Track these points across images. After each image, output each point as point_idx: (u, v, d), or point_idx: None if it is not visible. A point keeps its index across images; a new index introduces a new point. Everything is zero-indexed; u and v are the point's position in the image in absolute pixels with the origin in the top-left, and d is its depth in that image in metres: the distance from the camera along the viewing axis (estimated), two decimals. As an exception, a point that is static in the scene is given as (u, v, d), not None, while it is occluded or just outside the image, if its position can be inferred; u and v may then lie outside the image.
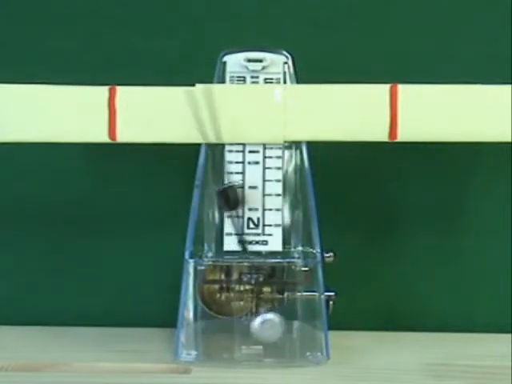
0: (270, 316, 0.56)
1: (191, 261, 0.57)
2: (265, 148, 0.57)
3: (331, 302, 0.57)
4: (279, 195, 0.57)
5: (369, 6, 0.66)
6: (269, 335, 0.56)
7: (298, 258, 0.57)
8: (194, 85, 0.56)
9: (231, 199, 0.56)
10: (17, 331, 0.65)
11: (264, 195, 0.57)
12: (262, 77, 0.57)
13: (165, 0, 0.66)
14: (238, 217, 0.57)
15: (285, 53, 0.57)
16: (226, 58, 0.57)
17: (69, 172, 0.68)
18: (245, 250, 0.57)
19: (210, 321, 0.57)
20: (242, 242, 0.57)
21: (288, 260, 0.57)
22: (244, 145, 0.57)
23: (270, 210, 0.57)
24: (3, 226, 0.68)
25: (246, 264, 0.57)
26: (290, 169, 0.58)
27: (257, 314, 0.57)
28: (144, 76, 0.65)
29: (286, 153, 0.58)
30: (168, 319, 0.60)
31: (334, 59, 0.65)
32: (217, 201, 0.56)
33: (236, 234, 0.57)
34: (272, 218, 0.57)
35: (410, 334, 0.65)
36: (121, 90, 0.56)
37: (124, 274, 0.68)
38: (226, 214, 0.57)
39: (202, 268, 0.57)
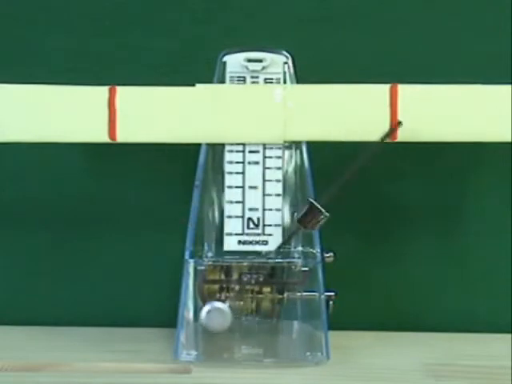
0: (218, 305, 0.56)
1: (191, 261, 0.57)
2: (265, 148, 0.57)
3: (331, 302, 0.57)
4: (279, 195, 0.57)
5: (369, 6, 0.66)
6: (216, 324, 0.56)
7: (298, 257, 0.57)
8: (194, 85, 0.56)
9: (309, 218, 0.55)
10: (17, 331, 0.65)
11: (264, 195, 0.57)
12: (262, 77, 0.57)
13: (165, 0, 0.66)
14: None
15: (285, 53, 0.57)
16: (226, 58, 0.57)
17: (69, 172, 0.68)
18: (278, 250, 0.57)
19: (210, 321, 0.57)
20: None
21: (288, 260, 0.57)
22: (244, 145, 0.57)
23: (270, 210, 0.57)
24: (3, 225, 0.68)
25: (245, 264, 0.57)
26: (290, 169, 0.58)
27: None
28: (144, 76, 0.65)
29: (286, 153, 0.58)
30: (168, 319, 0.60)
31: (334, 59, 0.65)
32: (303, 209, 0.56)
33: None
34: (272, 218, 0.57)
35: (409, 334, 0.65)
36: (121, 90, 0.56)
37: (124, 274, 0.68)
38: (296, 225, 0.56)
39: (202, 268, 0.57)
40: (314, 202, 0.55)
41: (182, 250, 0.57)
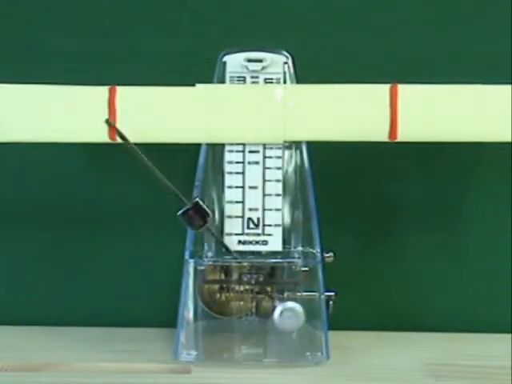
0: (291, 305, 0.56)
1: (191, 261, 0.57)
2: (265, 148, 0.57)
3: (331, 302, 0.57)
4: (279, 195, 0.57)
5: (369, 6, 0.66)
6: (289, 324, 0.56)
7: (298, 257, 0.57)
8: (194, 85, 0.56)
9: (195, 220, 0.55)
10: (17, 331, 0.65)
11: (264, 195, 0.57)
12: (262, 77, 0.57)
13: (165, 0, 0.66)
14: (209, 229, 0.56)
15: (285, 53, 0.57)
16: (226, 58, 0.57)
17: (69, 172, 0.68)
18: (229, 251, 0.57)
19: (209, 321, 0.57)
20: (224, 246, 0.57)
21: (288, 260, 0.57)
22: (244, 145, 0.57)
23: (270, 210, 0.57)
24: (3, 225, 0.68)
25: (245, 264, 0.57)
26: (290, 169, 0.58)
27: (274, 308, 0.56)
28: (144, 76, 0.65)
29: (286, 153, 0.58)
30: (168, 319, 0.60)
31: (334, 59, 0.65)
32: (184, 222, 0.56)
33: (217, 242, 0.57)
34: (272, 218, 0.57)
35: (409, 334, 0.65)
36: (121, 90, 0.56)
37: (124, 274, 0.68)
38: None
39: (202, 268, 0.57)
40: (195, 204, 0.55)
41: (182, 249, 0.57)
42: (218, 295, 0.57)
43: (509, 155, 0.65)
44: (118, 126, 0.56)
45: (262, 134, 0.57)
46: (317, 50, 0.65)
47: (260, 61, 0.57)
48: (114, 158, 0.66)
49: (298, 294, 0.57)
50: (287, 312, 0.56)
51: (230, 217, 0.57)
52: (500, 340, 0.63)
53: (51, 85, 0.57)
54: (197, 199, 0.55)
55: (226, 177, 0.57)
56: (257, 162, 0.57)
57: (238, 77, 0.57)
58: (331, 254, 0.58)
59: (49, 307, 0.68)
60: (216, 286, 0.57)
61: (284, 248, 0.57)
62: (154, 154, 0.62)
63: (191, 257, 0.57)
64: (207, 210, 0.55)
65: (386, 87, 0.56)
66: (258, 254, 0.57)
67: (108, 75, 0.61)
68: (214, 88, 0.57)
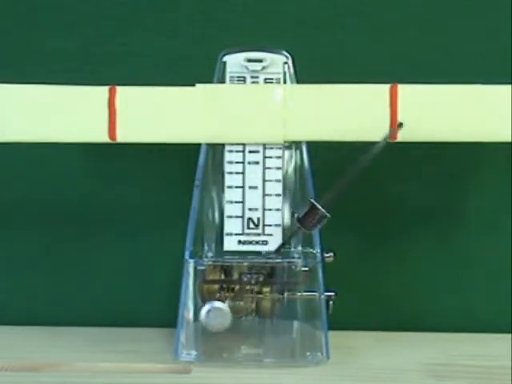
0: (218, 305, 0.56)
1: (191, 261, 0.57)
2: (265, 148, 0.57)
3: (331, 302, 0.57)
4: (279, 195, 0.57)
5: (369, 6, 0.66)
6: (216, 323, 0.56)
7: (298, 257, 0.57)
8: (194, 85, 0.56)
9: (309, 218, 0.55)
10: (17, 331, 0.65)
11: (264, 195, 0.57)
12: (262, 77, 0.57)
13: (165, 0, 0.66)
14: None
15: (285, 53, 0.57)
16: (226, 58, 0.57)
17: (69, 172, 0.68)
18: (278, 251, 0.57)
19: (209, 321, 0.57)
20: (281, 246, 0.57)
21: (288, 260, 0.57)
22: (244, 145, 0.57)
23: (270, 210, 0.57)
24: (3, 225, 0.68)
25: (245, 264, 0.57)
26: (290, 169, 0.58)
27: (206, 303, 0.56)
28: (144, 76, 0.65)
29: (286, 153, 0.58)
30: (168, 319, 0.60)
31: (334, 59, 0.65)
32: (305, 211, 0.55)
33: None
34: (272, 218, 0.57)
35: (409, 334, 0.65)
36: (121, 90, 0.56)
37: (124, 274, 0.68)
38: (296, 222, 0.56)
39: (202, 268, 0.57)
40: (314, 203, 0.55)
41: (182, 249, 0.57)
42: (218, 295, 0.57)
43: (509, 155, 0.65)
44: (118, 126, 0.56)
45: (262, 134, 0.57)
46: (317, 50, 0.65)
47: (260, 61, 0.57)
48: (113, 158, 0.66)
49: (298, 293, 0.57)
50: (214, 312, 0.55)
51: (230, 217, 0.57)
52: (500, 340, 0.63)
53: (51, 85, 0.57)
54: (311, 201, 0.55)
55: (226, 177, 0.57)
56: (257, 162, 0.57)
57: (238, 77, 0.57)
58: (331, 254, 0.58)
59: (49, 307, 0.68)
60: (216, 286, 0.57)
61: (284, 248, 0.57)
62: (154, 154, 0.62)
63: (191, 257, 0.57)
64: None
65: (385, 87, 0.56)
66: (258, 253, 0.57)
67: (108, 75, 0.61)
68: (213, 88, 0.57)
